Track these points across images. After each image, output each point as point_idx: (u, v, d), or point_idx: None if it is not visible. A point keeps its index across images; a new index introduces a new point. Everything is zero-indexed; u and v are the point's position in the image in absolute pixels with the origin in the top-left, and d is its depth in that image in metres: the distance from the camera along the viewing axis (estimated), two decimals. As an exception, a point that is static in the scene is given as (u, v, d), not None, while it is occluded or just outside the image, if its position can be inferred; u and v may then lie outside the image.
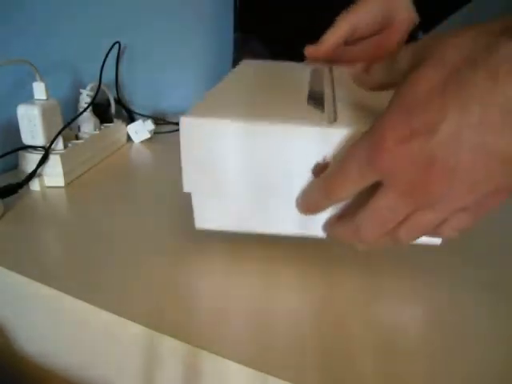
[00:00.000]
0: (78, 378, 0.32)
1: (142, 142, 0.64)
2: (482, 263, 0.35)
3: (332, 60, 0.45)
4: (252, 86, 0.38)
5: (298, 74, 0.39)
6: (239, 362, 0.23)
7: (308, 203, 0.28)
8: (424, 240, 0.29)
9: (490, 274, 0.33)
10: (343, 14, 0.45)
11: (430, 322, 0.28)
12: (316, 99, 0.31)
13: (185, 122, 0.28)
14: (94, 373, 0.31)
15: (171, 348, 0.25)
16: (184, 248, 0.35)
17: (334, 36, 0.45)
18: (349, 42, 0.45)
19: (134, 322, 0.26)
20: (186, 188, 0.30)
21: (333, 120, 0.28)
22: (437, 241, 0.30)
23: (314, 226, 0.30)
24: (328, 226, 0.29)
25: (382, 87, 0.27)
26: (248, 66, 0.46)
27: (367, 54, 0.46)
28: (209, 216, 0.32)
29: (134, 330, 0.26)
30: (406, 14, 0.45)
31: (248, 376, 0.23)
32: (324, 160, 0.27)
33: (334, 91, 0.34)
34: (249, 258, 0.33)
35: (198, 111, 0.29)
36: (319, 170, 0.27)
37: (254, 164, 0.29)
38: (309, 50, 0.45)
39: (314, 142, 0.27)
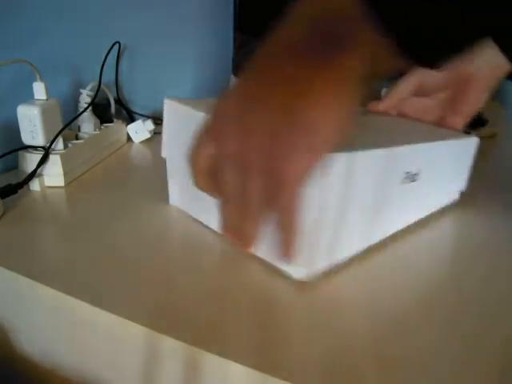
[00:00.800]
0: (78, 378, 0.32)
1: (141, 141, 0.64)
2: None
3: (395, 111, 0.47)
4: None
5: None
6: (239, 362, 0.23)
7: None
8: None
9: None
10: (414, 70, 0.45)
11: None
12: None
13: (166, 103, 0.37)
14: (94, 373, 0.31)
15: (171, 348, 0.25)
16: (184, 248, 0.35)
17: (400, 94, 0.46)
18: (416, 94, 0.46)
19: (134, 321, 0.26)
20: (163, 154, 0.39)
21: None
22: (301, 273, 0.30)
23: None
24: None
25: None
26: None
27: (433, 109, 0.46)
28: (177, 192, 0.40)
29: (134, 330, 0.26)
30: (487, 70, 0.43)
31: (248, 376, 0.23)
32: None
33: None
34: (248, 256, 0.33)
35: (182, 100, 0.36)
36: None
37: None
38: (371, 107, 0.46)
39: None
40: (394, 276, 0.32)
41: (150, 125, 0.63)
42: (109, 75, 0.66)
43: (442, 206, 0.42)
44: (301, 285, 0.30)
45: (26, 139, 0.44)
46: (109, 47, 0.63)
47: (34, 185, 0.45)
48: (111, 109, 0.62)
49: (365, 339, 0.25)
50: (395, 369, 0.23)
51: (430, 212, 0.40)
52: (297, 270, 0.30)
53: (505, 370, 0.24)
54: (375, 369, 0.23)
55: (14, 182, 0.42)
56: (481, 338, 0.26)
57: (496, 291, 0.31)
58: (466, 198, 0.45)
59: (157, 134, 0.66)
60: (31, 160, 0.45)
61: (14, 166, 0.48)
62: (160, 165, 0.40)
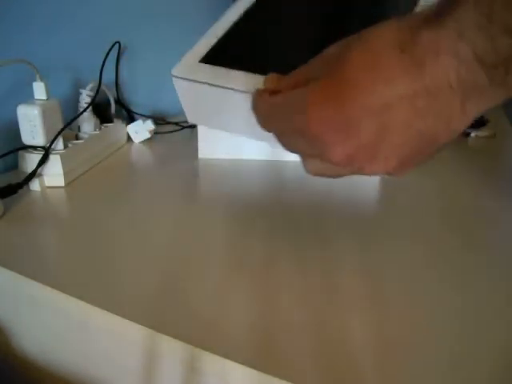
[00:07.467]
0: (78, 378, 0.32)
1: (141, 141, 0.64)
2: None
3: None
4: None
5: None
6: (239, 361, 0.23)
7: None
8: None
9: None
10: None
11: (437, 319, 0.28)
12: None
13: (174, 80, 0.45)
14: (94, 373, 0.31)
15: (171, 348, 0.25)
16: (184, 248, 0.35)
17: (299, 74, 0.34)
18: None
19: (134, 321, 0.26)
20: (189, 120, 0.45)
21: None
22: None
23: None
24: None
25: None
26: None
27: None
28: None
29: (134, 329, 0.26)
30: None
31: (248, 376, 0.23)
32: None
33: None
34: (249, 257, 0.33)
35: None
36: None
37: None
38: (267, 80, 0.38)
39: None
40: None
41: (149, 125, 0.63)
42: (109, 75, 0.66)
43: None
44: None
45: (26, 139, 0.44)
46: (109, 47, 0.63)
47: (34, 185, 0.45)
48: (111, 109, 0.62)
49: (367, 344, 0.25)
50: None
51: None
52: None
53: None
54: (375, 370, 0.23)
55: (14, 182, 0.42)
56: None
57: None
58: (466, 197, 0.45)
59: (157, 133, 0.66)
60: (31, 160, 0.45)
61: (14, 166, 0.48)
62: (160, 164, 0.40)
